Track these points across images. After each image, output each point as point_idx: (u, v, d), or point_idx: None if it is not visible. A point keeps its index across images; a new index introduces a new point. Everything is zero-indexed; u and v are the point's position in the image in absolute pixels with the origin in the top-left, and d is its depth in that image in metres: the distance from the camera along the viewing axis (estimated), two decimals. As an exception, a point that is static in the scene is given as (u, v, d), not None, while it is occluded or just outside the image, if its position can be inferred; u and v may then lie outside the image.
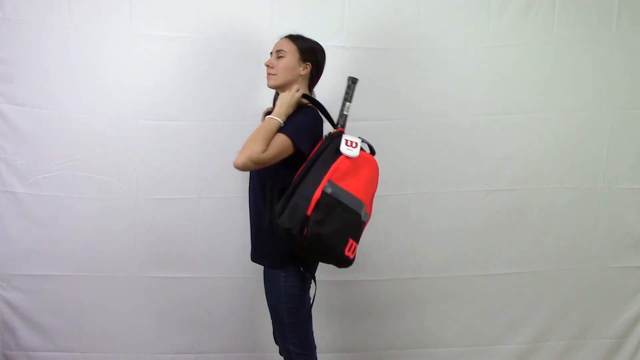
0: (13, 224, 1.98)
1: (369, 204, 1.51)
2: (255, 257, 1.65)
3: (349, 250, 1.43)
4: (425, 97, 2.03)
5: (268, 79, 1.60)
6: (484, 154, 2.07)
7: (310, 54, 1.60)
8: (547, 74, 2.04)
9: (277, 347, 1.74)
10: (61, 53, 1.90)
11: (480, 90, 2.04)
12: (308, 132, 1.52)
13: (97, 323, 2.06)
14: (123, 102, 1.95)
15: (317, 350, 1.68)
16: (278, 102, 1.53)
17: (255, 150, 1.41)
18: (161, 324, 2.08)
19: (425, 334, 2.18)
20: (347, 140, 1.46)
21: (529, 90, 2.05)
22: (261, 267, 1.64)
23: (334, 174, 1.41)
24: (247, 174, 1.68)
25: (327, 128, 1.58)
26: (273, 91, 1.66)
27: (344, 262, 1.46)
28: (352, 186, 1.44)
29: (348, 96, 1.55)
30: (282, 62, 1.58)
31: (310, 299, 1.63)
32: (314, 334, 1.68)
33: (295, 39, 1.62)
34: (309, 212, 1.38)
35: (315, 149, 1.48)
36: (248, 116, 1.96)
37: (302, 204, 1.38)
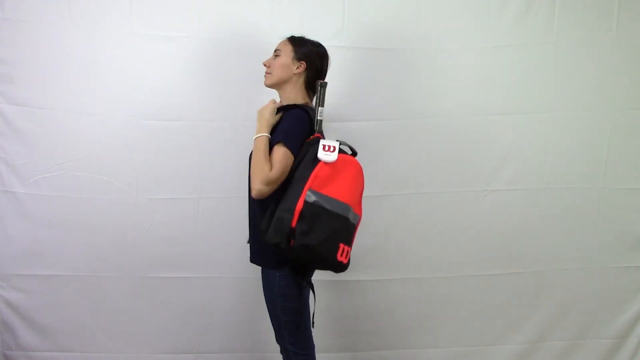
0: (13, 224, 1.98)
1: (357, 204, 1.50)
2: (253, 257, 1.65)
3: (341, 256, 1.43)
4: (425, 97, 2.03)
5: (264, 77, 1.63)
6: (484, 154, 2.07)
7: (305, 53, 1.60)
8: (547, 74, 2.04)
9: (277, 347, 1.74)
10: (61, 53, 1.90)
11: (480, 90, 2.04)
12: (298, 136, 1.51)
13: (97, 323, 2.06)
14: (123, 102, 1.95)
15: (317, 350, 1.68)
16: (257, 120, 1.55)
17: (264, 174, 1.43)
18: (161, 324, 2.08)
19: (425, 334, 2.18)
20: (324, 146, 1.45)
21: (529, 90, 2.05)
22: (260, 268, 1.64)
23: (314, 182, 1.41)
24: (248, 174, 1.68)
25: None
26: (273, 91, 1.67)
27: (339, 267, 1.45)
28: (335, 191, 1.43)
29: (320, 101, 1.55)
30: (277, 61, 1.61)
31: (307, 298, 1.63)
32: (314, 334, 1.69)
33: (293, 39, 1.64)
34: (293, 224, 1.38)
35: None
36: (248, 116, 1.95)
37: (286, 216, 1.39)
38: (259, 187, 1.42)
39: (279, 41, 1.66)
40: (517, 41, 2.01)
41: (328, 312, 2.10)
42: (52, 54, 1.90)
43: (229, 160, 1.99)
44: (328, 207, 1.41)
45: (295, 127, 1.52)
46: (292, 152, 1.47)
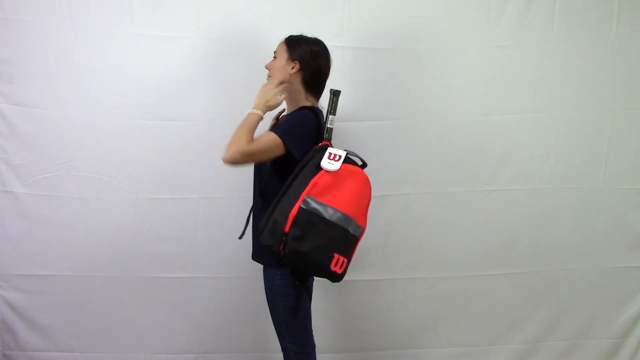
0: (13, 224, 1.98)
1: (361, 216, 1.48)
2: (255, 255, 1.65)
3: (335, 265, 1.42)
4: (425, 97, 2.03)
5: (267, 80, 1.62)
6: (483, 153, 2.07)
7: (298, 52, 1.58)
8: (547, 74, 2.04)
9: (277, 347, 1.73)
10: (61, 53, 1.90)
11: (481, 90, 2.04)
12: (301, 135, 1.50)
13: (97, 323, 2.06)
14: (123, 102, 1.95)
15: (317, 350, 1.68)
16: (257, 95, 1.55)
17: (241, 143, 1.42)
18: (161, 324, 2.08)
19: (425, 334, 2.18)
20: (330, 154, 1.44)
21: (529, 90, 2.05)
22: (260, 267, 1.65)
23: (312, 189, 1.40)
24: (250, 174, 1.69)
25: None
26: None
27: (332, 277, 1.45)
28: (335, 201, 1.42)
29: (331, 109, 1.53)
30: (275, 63, 1.61)
31: (308, 298, 1.63)
32: (314, 334, 1.69)
33: (289, 39, 1.62)
34: (286, 229, 1.38)
35: (299, 164, 1.47)
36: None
37: (280, 221, 1.39)
38: (231, 154, 1.41)
39: (279, 41, 1.66)
40: (517, 41, 2.01)
41: (328, 312, 2.10)
42: (52, 54, 1.90)
43: (229, 160, 1.99)
44: (325, 215, 1.40)
45: (299, 126, 1.52)
46: (285, 144, 1.46)
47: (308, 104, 1.60)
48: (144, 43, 1.93)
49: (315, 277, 1.70)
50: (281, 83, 1.56)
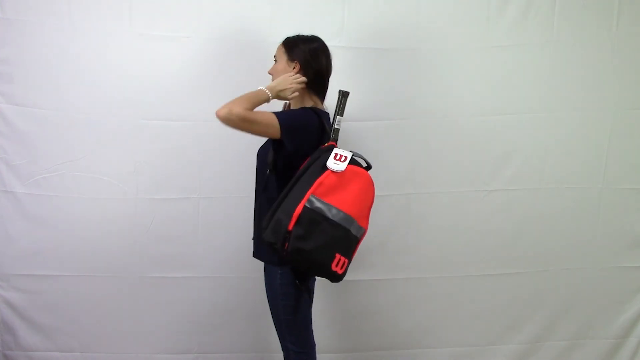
0: (13, 224, 1.98)
1: (363, 218, 1.49)
2: (256, 252, 1.65)
3: (336, 266, 1.42)
4: (425, 97, 2.03)
5: None
6: (484, 153, 2.07)
7: (296, 52, 1.59)
8: (547, 74, 2.04)
9: (277, 347, 1.74)
10: (61, 53, 1.90)
11: (480, 90, 2.04)
12: (298, 128, 1.50)
13: (97, 323, 2.06)
14: (123, 102, 1.95)
15: (317, 350, 1.68)
16: (275, 80, 1.56)
17: (240, 106, 1.41)
18: (161, 324, 2.08)
19: (425, 334, 2.18)
20: (336, 154, 1.45)
21: (529, 90, 2.05)
22: (261, 267, 1.65)
23: (318, 188, 1.40)
24: (250, 174, 1.68)
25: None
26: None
27: (333, 277, 1.45)
28: (339, 201, 1.42)
29: (339, 110, 1.54)
30: (276, 67, 1.62)
31: (308, 298, 1.63)
32: (314, 334, 1.69)
33: (286, 41, 1.63)
34: (290, 227, 1.38)
35: (305, 163, 1.48)
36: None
37: (284, 219, 1.39)
38: (227, 111, 1.39)
39: (279, 41, 1.66)
40: (517, 41, 2.01)
41: (328, 312, 2.10)
42: (52, 54, 1.90)
43: (229, 160, 1.99)
44: (329, 215, 1.40)
45: (298, 119, 1.52)
46: (280, 129, 1.45)
47: (311, 104, 1.61)
48: (144, 43, 1.93)
49: (316, 278, 1.71)
50: (303, 82, 1.57)
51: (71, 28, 1.90)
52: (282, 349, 1.68)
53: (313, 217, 1.39)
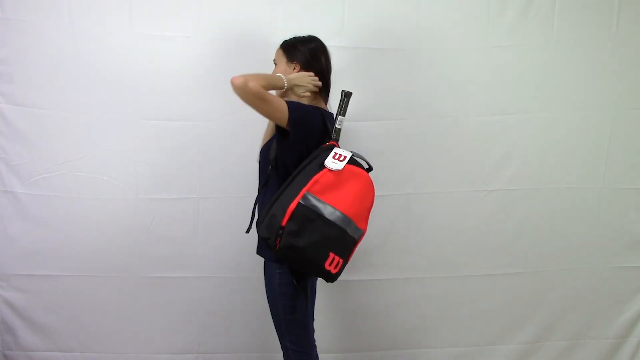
0: (13, 224, 1.98)
1: (362, 219, 1.49)
2: (258, 249, 1.66)
3: (330, 265, 1.42)
4: (425, 97, 2.03)
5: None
6: (483, 153, 2.07)
7: (294, 52, 1.60)
8: (547, 74, 2.04)
9: (277, 347, 1.73)
10: (61, 53, 1.90)
11: (480, 90, 2.04)
12: (304, 121, 1.50)
13: (96, 323, 2.06)
14: (123, 102, 1.95)
15: (317, 350, 1.68)
16: (295, 75, 1.57)
17: (257, 81, 1.41)
18: (161, 324, 2.08)
19: (425, 334, 2.18)
20: (335, 154, 1.45)
21: (529, 90, 2.05)
22: (261, 267, 1.64)
23: (313, 186, 1.40)
24: (250, 175, 1.69)
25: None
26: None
27: (326, 276, 1.45)
28: (335, 200, 1.42)
29: (341, 110, 1.54)
30: (276, 70, 1.62)
31: (308, 297, 1.63)
32: (314, 333, 1.69)
33: (284, 44, 1.64)
34: (283, 223, 1.38)
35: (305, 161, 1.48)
36: (248, 116, 1.94)
37: (278, 214, 1.39)
38: (243, 81, 1.39)
39: (279, 41, 1.66)
40: (516, 41, 2.01)
41: (328, 312, 2.10)
42: (52, 54, 1.90)
43: (229, 160, 2.00)
44: (324, 213, 1.40)
45: (305, 112, 1.52)
46: (289, 116, 1.45)
47: (315, 103, 1.62)
48: (144, 43, 1.93)
49: (317, 278, 1.71)
50: (318, 87, 1.60)
51: (71, 28, 1.90)
52: (282, 348, 1.68)
53: (307, 214, 1.39)
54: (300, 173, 1.45)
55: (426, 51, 2.00)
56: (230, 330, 2.11)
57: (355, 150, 1.51)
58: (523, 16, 2.00)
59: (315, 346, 1.68)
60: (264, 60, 1.65)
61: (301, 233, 1.39)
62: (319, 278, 1.61)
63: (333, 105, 1.64)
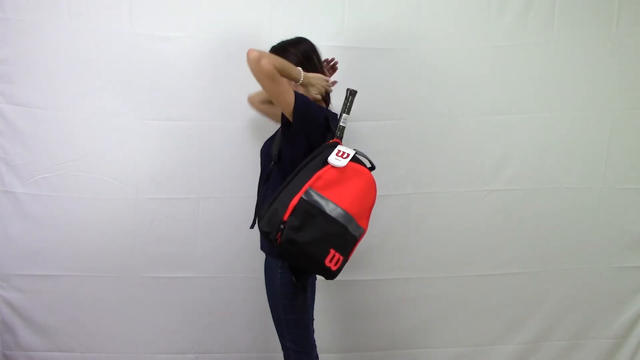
0: (13, 224, 1.98)
1: (363, 218, 1.49)
2: (261, 243, 1.66)
3: (330, 262, 1.42)
4: (425, 97, 2.03)
5: None
6: (483, 154, 2.07)
7: (286, 56, 1.58)
8: (547, 74, 2.04)
9: (277, 347, 1.74)
10: (61, 53, 1.90)
11: (480, 90, 2.04)
12: (307, 112, 1.51)
13: (96, 323, 2.06)
14: (123, 102, 1.95)
15: (317, 350, 1.68)
16: (312, 73, 1.58)
17: (272, 60, 1.43)
18: (161, 324, 2.08)
19: (425, 334, 2.18)
20: (339, 151, 1.45)
21: (529, 90, 2.05)
22: (261, 267, 1.65)
23: (316, 182, 1.41)
24: (250, 175, 1.69)
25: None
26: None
27: (326, 272, 1.44)
28: (337, 197, 1.42)
29: (346, 108, 1.55)
30: None
31: (309, 297, 1.63)
32: (314, 333, 1.69)
33: (273, 49, 1.64)
34: (285, 218, 1.38)
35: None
36: (248, 116, 1.96)
37: (280, 209, 1.39)
38: (260, 56, 1.41)
39: (279, 41, 1.66)
40: (516, 41, 2.01)
41: (328, 312, 2.10)
42: (52, 54, 1.90)
43: (229, 160, 2.00)
44: (326, 210, 1.41)
45: (311, 106, 1.52)
46: (295, 106, 1.46)
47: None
48: (144, 43, 1.92)
49: (317, 278, 1.71)
50: (328, 93, 1.62)
51: (71, 28, 1.90)
52: (282, 348, 1.68)
53: (309, 209, 1.39)
54: (304, 169, 1.45)
55: (426, 51, 2.00)
56: (230, 330, 2.11)
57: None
58: (523, 16, 2.00)
59: (315, 346, 1.68)
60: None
61: (302, 228, 1.39)
62: (318, 277, 1.62)
63: (337, 105, 1.64)
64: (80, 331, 2.06)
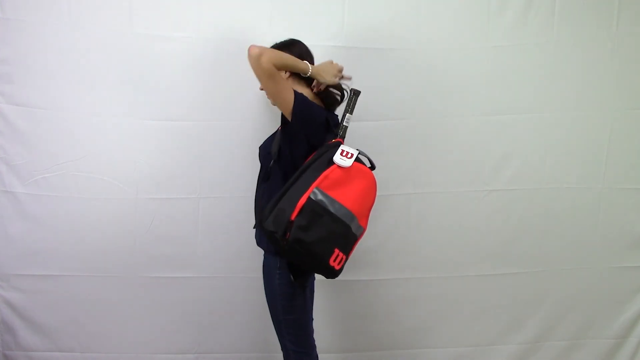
0: (13, 224, 1.98)
1: (363, 217, 1.50)
2: (259, 239, 1.66)
3: (334, 261, 1.43)
4: (425, 97, 2.03)
5: (269, 99, 1.61)
6: (483, 154, 2.07)
7: None
8: (547, 74, 2.04)
9: (277, 347, 1.74)
10: (61, 53, 1.90)
11: (480, 90, 2.04)
12: (306, 112, 1.51)
13: (96, 323, 2.06)
14: (123, 102, 1.95)
15: (317, 350, 1.68)
16: (321, 64, 1.59)
17: (272, 57, 1.43)
18: (161, 324, 2.08)
19: (425, 334, 2.18)
20: (342, 151, 1.46)
21: (529, 90, 2.05)
22: (260, 267, 1.64)
23: (323, 181, 1.42)
24: (250, 175, 1.68)
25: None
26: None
27: (329, 272, 1.45)
28: (342, 196, 1.43)
29: (349, 108, 1.56)
30: None
31: (308, 297, 1.63)
32: (314, 333, 1.69)
33: None
34: (292, 217, 1.39)
35: (311, 156, 1.49)
36: (248, 116, 1.96)
37: (287, 209, 1.40)
38: (261, 52, 1.40)
39: (279, 41, 1.66)
40: (516, 41, 2.01)
41: (328, 312, 2.10)
42: (52, 54, 1.90)
43: (229, 160, 1.99)
44: (331, 209, 1.42)
45: (310, 107, 1.53)
46: (294, 104, 1.46)
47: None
48: (144, 43, 1.92)
49: (315, 277, 1.71)
50: (338, 80, 1.62)
51: (71, 28, 1.89)
52: (282, 348, 1.68)
53: (316, 209, 1.40)
54: (309, 168, 1.45)
55: (426, 51, 2.00)
56: (230, 330, 2.11)
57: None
58: (523, 16, 2.00)
59: (315, 346, 1.68)
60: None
61: (310, 228, 1.39)
62: (318, 278, 1.62)
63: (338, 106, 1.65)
64: (80, 331, 2.06)
